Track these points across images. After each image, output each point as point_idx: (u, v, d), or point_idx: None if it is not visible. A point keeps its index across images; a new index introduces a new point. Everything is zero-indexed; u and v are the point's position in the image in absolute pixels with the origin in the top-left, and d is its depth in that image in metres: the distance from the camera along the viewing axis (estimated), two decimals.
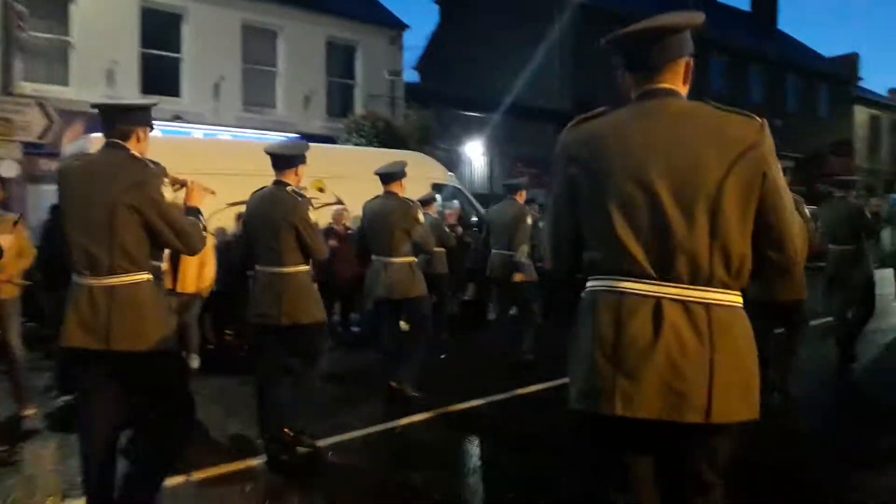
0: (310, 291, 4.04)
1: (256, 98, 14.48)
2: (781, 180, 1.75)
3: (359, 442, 4.45)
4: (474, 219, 9.68)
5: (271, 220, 3.90)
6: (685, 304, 1.67)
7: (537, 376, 5.87)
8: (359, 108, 15.20)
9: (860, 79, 28.67)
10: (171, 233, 2.74)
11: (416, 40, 41.18)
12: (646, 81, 1.82)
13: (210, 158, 7.51)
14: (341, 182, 7.76)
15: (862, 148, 28.44)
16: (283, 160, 4.01)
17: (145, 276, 2.74)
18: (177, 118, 12.37)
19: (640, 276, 1.70)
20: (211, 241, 6.52)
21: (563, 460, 3.89)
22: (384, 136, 12.90)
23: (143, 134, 2.84)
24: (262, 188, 4.07)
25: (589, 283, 1.83)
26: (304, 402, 4.13)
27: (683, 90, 1.85)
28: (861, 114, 29.25)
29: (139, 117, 2.84)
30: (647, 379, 1.66)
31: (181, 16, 13.57)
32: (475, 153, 17.39)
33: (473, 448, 4.51)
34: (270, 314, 3.93)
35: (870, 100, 30.26)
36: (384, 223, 5.08)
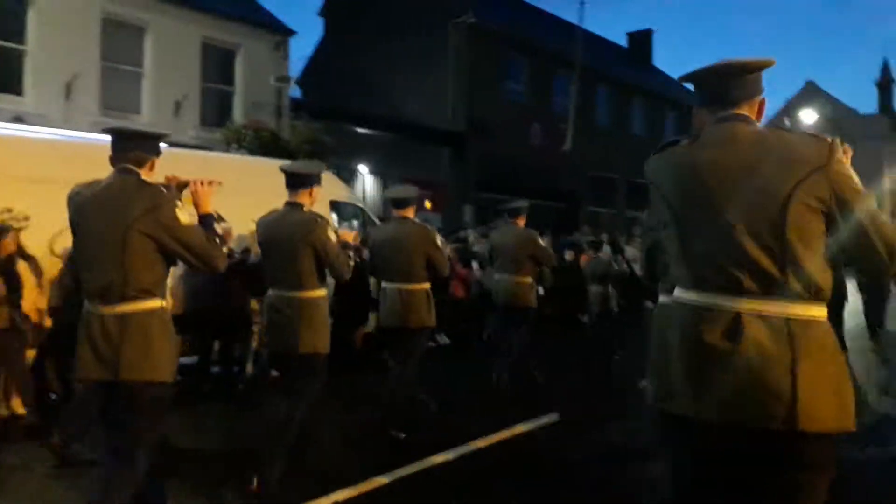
0: (326, 319, 3.96)
1: (117, 101, 12.68)
2: (859, 193, 1.80)
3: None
4: None
5: (289, 241, 3.79)
6: (762, 317, 1.78)
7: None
8: (238, 117, 13.75)
9: None
10: (190, 255, 2.75)
11: (296, 53, 39.55)
12: (720, 114, 1.96)
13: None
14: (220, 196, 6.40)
15: None
16: (299, 179, 3.91)
17: (158, 302, 2.72)
18: (17, 119, 10.41)
19: (716, 290, 1.84)
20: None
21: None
22: (269, 147, 11.65)
23: (153, 164, 2.87)
24: (274, 210, 3.98)
25: (675, 293, 1.98)
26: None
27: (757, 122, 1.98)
28: None
29: (154, 146, 2.88)
30: (723, 385, 1.77)
31: (27, 2, 11.65)
32: (366, 172, 16.35)
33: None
34: (288, 343, 3.79)
35: None
36: (401, 248, 4.91)
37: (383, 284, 5.05)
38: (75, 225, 2.78)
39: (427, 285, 4.97)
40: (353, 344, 7.91)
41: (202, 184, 2.96)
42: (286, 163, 4.31)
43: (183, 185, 2.96)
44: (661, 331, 2.01)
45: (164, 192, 2.73)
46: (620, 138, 23.60)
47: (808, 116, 33.99)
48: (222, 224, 6.05)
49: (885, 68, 56.12)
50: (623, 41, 30.52)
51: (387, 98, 18.22)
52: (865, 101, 79.87)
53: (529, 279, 6.40)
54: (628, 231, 16.61)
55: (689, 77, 2.06)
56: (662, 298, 2.25)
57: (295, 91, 16.48)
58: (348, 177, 14.96)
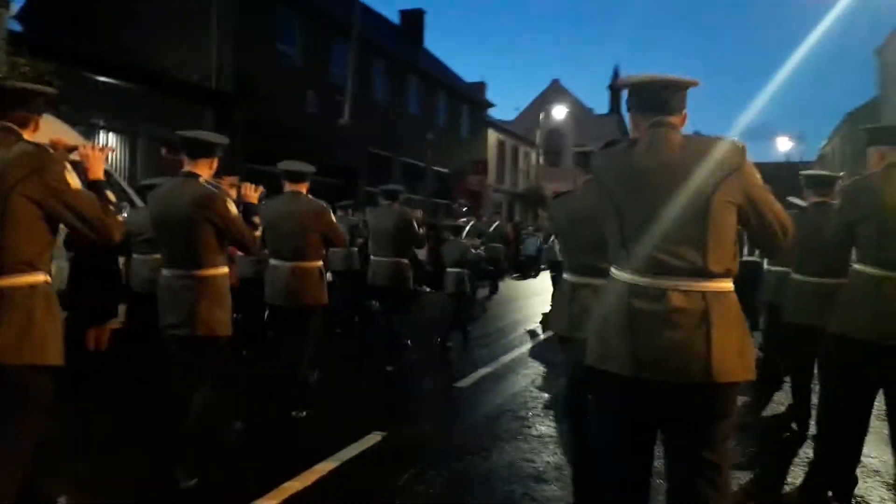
0: (227, 298, 3.73)
1: None
2: (762, 188, 2.24)
3: None
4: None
5: (184, 216, 3.54)
6: (684, 292, 2.14)
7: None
8: None
9: (493, 105, 31.73)
10: (81, 224, 2.50)
11: None
12: (655, 120, 2.28)
13: None
14: None
15: (491, 168, 31.46)
16: (201, 148, 3.68)
17: (41, 277, 2.46)
18: None
19: (649, 272, 2.18)
20: None
21: None
22: None
23: (38, 124, 2.64)
24: (165, 180, 3.94)
25: (612, 272, 2.32)
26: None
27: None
28: (492, 137, 32.42)
29: (39, 104, 2.64)
30: (652, 347, 2.14)
31: None
32: (108, 129, 13.60)
33: None
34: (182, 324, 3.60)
35: (498, 125, 33.75)
36: (294, 224, 4.84)
37: (273, 262, 4.93)
38: None
39: (320, 263, 4.95)
40: (90, 344, 6.23)
41: (92, 148, 2.81)
42: (187, 132, 3.81)
43: (71, 149, 2.78)
44: (601, 304, 2.37)
45: (51, 152, 2.49)
46: (397, 117, 23.11)
47: (560, 112, 36.87)
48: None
49: (616, 73, 63.72)
50: (395, 18, 30.10)
51: (139, 49, 15.43)
52: (601, 102, 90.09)
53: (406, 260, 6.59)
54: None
55: (631, 84, 2.37)
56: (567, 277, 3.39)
57: (14, 25, 13.08)
58: (86, 133, 12.22)
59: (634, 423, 2.27)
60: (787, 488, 3.99)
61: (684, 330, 2.11)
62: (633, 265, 2.22)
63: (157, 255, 4.91)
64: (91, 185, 2.67)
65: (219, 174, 3.93)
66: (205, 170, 3.65)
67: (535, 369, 7.07)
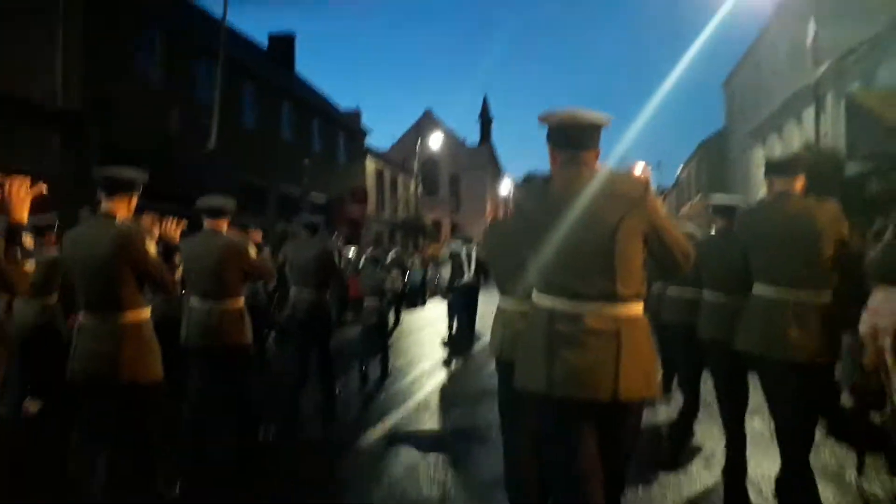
0: (152, 343, 3.60)
1: None
2: (664, 218, 2.50)
3: None
4: None
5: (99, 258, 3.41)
6: (599, 316, 2.36)
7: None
8: None
9: (368, 132, 31.15)
10: None
11: None
12: (570, 156, 2.53)
13: None
14: None
15: (371, 197, 30.80)
16: (120, 185, 3.55)
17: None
18: None
19: (565, 296, 2.42)
20: None
21: None
22: None
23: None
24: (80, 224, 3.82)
25: (534, 298, 2.55)
26: None
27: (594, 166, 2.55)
28: (370, 165, 31.80)
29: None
30: (568, 369, 2.36)
31: None
32: None
33: None
34: (102, 371, 3.44)
35: (376, 154, 33.20)
36: (210, 264, 4.69)
37: (192, 301, 4.79)
38: None
39: (241, 301, 4.81)
40: None
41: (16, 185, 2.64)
42: (109, 168, 3.68)
43: None
44: (527, 328, 2.57)
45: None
46: (270, 143, 21.93)
47: (436, 142, 36.97)
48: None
49: (485, 106, 65.51)
50: (264, 43, 28.87)
51: None
52: (471, 134, 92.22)
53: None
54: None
55: (550, 122, 2.58)
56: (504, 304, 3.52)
57: None
58: None
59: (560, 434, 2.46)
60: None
61: (597, 351, 2.34)
62: (551, 291, 2.44)
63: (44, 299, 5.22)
64: (9, 228, 2.56)
65: (71, 203, 3.75)
66: (122, 208, 3.53)
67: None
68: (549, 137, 2.56)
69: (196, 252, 4.66)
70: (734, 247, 3.86)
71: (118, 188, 3.51)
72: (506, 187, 63.88)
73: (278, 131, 23.00)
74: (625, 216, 2.36)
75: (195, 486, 4.30)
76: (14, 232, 2.52)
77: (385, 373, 8.31)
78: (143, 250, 3.43)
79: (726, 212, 4.65)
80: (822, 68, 15.29)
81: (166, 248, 3.77)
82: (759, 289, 3.51)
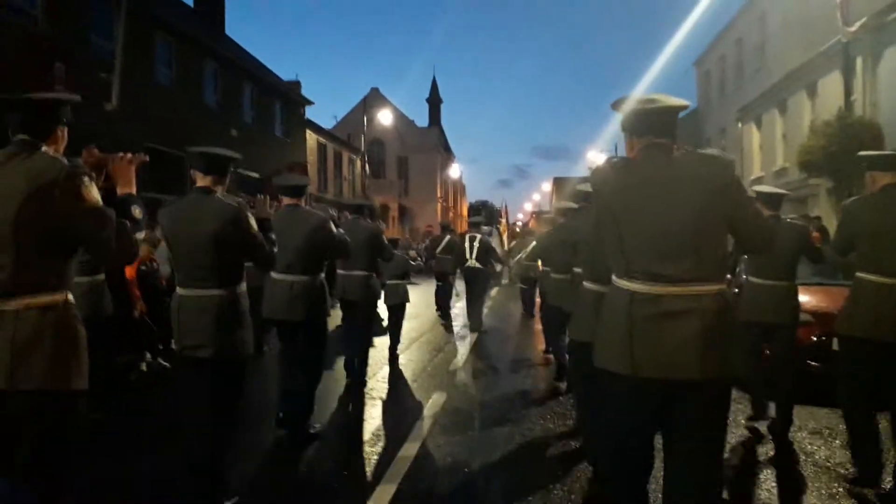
0: (244, 316, 3.54)
1: None
2: (747, 200, 2.50)
3: None
4: None
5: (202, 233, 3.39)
6: (681, 297, 2.31)
7: None
8: None
9: (311, 103, 27.43)
10: (91, 241, 2.33)
11: None
12: (650, 143, 2.49)
13: None
14: None
15: (312, 173, 27.24)
16: (216, 164, 3.58)
17: (59, 296, 2.30)
18: None
19: (649, 279, 2.37)
20: None
21: None
22: None
23: (63, 134, 2.52)
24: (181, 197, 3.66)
25: (614, 280, 2.51)
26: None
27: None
28: (311, 139, 28.17)
29: (63, 114, 2.49)
30: (654, 349, 2.35)
31: None
32: None
33: None
34: (201, 344, 3.40)
35: (319, 127, 29.56)
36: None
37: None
38: None
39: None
40: None
41: (121, 158, 2.63)
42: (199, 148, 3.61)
43: (98, 164, 2.62)
44: (607, 310, 2.53)
45: (65, 163, 2.31)
46: (189, 108, 18.21)
47: (385, 118, 33.64)
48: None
49: (434, 86, 62.33)
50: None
51: None
52: (420, 114, 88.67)
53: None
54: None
55: (628, 111, 2.55)
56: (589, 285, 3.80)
57: None
58: None
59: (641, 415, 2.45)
60: None
61: (680, 332, 2.29)
62: (632, 274, 2.40)
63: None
64: (119, 200, 2.53)
65: None
66: (219, 186, 3.57)
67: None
68: (626, 125, 2.55)
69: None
70: (782, 234, 3.97)
71: (213, 167, 3.55)
72: (455, 170, 61.28)
73: (200, 95, 19.25)
74: (710, 199, 2.33)
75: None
76: (124, 205, 2.49)
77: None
78: (249, 224, 3.45)
79: (771, 200, 4.82)
80: (854, 28, 12.77)
81: (261, 225, 3.63)
82: (865, 277, 3.76)
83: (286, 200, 4.88)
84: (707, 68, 29.77)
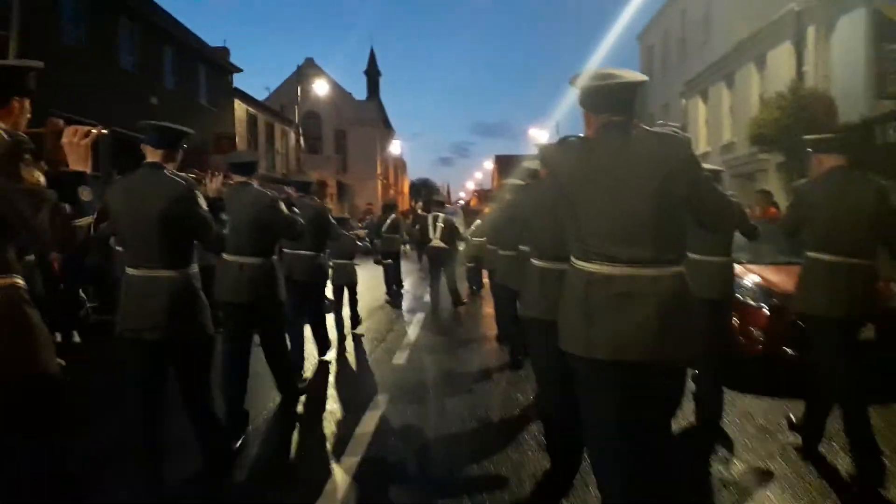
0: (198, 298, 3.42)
1: None
2: (706, 178, 2.47)
3: None
4: None
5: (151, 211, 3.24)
6: (637, 278, 2.28)
7: None
8: None
9: (239, 70, 25.71)
10: (18, 222, 2.19)
11: None
12: (608, 120, 2.42)
13: None
14: None
15: (241, 146, 25.64)
16: (168, 137, 3.43)
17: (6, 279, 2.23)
18: None
19: (606, 260, 2.34)
20: None
21: None
22: None
23: (22, 106, 2.34)
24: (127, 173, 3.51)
25: (572, 261, 2.47)
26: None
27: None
28: (240, 109, 26.50)
29: (22, 84, 2.35)
30: (608, 330, 2.35)
31: None
32: None
33: None
34: (154, 325, 3.26)
35: (249, 96, 27.86)
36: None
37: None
38: None
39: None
40: None
41: (74, 133, 2.40)
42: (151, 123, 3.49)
43: (54, 131, 2.50)
44: (566, 292, 2.48)
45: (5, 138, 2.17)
46: (101, 71, 16.48)
47: (321, 88, 32.16)
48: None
49: (372, 58, 60.65)
50: None
51: None
52: (358, 88, 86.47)
53: None
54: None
55: (585, 87, 2.47)
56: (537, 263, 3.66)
57: None
58: None
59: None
60: None
61: (637, 314, 2.25)
62: (588, 255, 2.35)
63: None
64: (64, 177, 2.37)
65: None
66: (170, 161, 3.42)
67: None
68: (584, 101, 2.49)
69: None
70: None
71: (165, 141, 3.40)
72: (396, 147, 59.95)
73: (115, 57, 17.50)
74: (667, 178, 2.28)
75: None
76: (71, 185, 2.34)
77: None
78: (199, 204, 3.34)
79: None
80: None
81: (211, 204, 3.50)
82: (818, 256, 3.83)
83: (236, 178, 4.73)
84: (650, 42, 29.47)
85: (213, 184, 3.67)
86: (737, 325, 5.97)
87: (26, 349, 2.22)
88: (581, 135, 2.53)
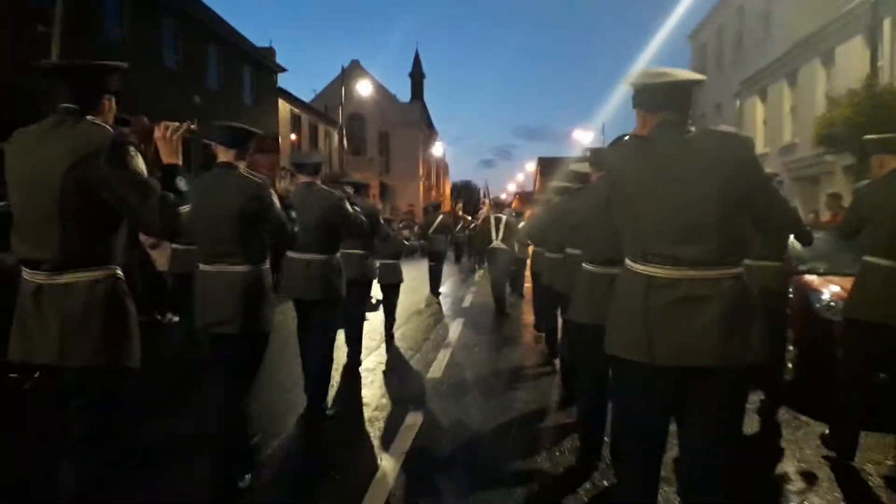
0: (267, 293, 3.48)
1: None
2: (766, 179, 2.38)
3: None
4: None
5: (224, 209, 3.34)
6: (700, 281, 2.21)
7: None
8: None
9: (284, 70, 25.63)
10: (128, 211, 2.27)
11: None
12: (664, 119, 2.33)
13: None
14: None
15: (285, 147, 25.55)
16: (239, 137, 3.51)
17: (101, 272, 2.28)
18: None
19: (666, 262, 2.26)
20: None
21: None
22: None
23: (111, 104, 2.43)
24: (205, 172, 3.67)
25: (628, 264, 2.39)
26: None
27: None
28: (284, 109, 26.42)
29: (110, 82, 2.41)
30: (673, 335, 2.26)
31: None
32: None
33: None
34: (227, 320, 3.35)
35: (293, 97, 27.78)
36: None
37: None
38: (7, 176, 2.37)
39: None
40: None
41: (166, 128, 2.44)
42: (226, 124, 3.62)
43: (143, 129, 2.78)
44: (621, 295, 2.40)
45: (109, 131, 2.28)
46: (144, 68, 16.44)
47: (365, 89, 31.97)
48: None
49: (417, 60, 60.51)
50: None
51: None
52: (402, 90, 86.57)
53: None
54: None
55: (639, 85, 2.39)
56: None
57: None
58: None
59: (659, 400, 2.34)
60: None
61: (699, 317, 2.18)
62: (648, 257, 2.27)
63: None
64: (163, 170, 2.42)
65: None
66: (241, 161, 3.49)
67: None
68: (638, 100, 2.41)
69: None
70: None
71: (238, 141, 3.49)
72: (439, 149, 59.58)
73: (159, 55, 17.51)
74: (728, 178, 2.21)
75: None
76: (169, 176, 2.39)
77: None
78: (272, 201, 3.40)
79: None
80: None
81: (283, 202, 3.59)
82: (875, 261, 3.75)
83: (301, 178, 4.86)
84: (703, 41, 28.38)
85: (283, 184, 3.79)
86: (814, 343, 5.29)
87: (124, 342, 2.29)
88: (635, 134, 2.49)
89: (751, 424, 4.65)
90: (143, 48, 16.67)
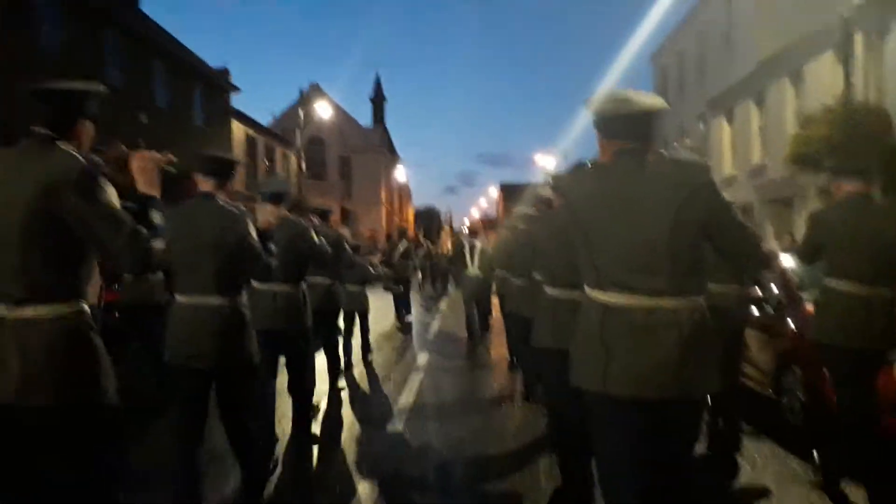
0: (247, 326, 3.49)
1: None
2: (726, 205, 2.29)
3: None
4: None
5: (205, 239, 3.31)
6: (655, 311, 2.17)
7: None
8: None
9: (238, 89, 24.62)
10: (99, 245, 2.15)
11: None
12: (623, 147, 2.29)
13: None
14: None
15: (240, 170, 24.46)
16: (219, 167, 3.48)
17: (67, 308, 2.13)
18: None
19: (623, 291, 2.22)
20: None
21: None
22: None
23: (86, 129, 2.30)
24: (184, 202, 3.46)
25: (587, 292, 2.39)
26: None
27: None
28: (239, 131, 25.36)
29: (87, 107, 2.30)
30: (628, 364, 2.22)
31: None
32: None
33: None
34: (201, 354, 3.33)
35: (248, 118, 26.75)
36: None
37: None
38: None
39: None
40: None
41: (142, 157, 2.41)
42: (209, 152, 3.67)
43: (118, 158, 2.48)
44: (580, 324, 2.37)
45: (81, 161, 2.15)
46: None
47: (325, 111, 31.13)
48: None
49: (378, 84, 59.97)
50: None
51: None
52: (363, 114, 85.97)
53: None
54: None
55: (598, 113, 2.34)
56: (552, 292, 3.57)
57: None
58: None
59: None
60: None
61: (656, 348, 2.13)
62: (604, 285, 2.24)
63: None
64: (137, 200, 2.37)
65: None
66: (222, 192, 3.46)
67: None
68: (599, 126, 2.37)
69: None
70: None
71: (220, 171, 3.46)
72: (402, 173, 58.82)
73: (100, 69, 16.40)
74: (683, 204, 2.16)
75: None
76: (143, 209, 2.35)
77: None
78: (250, 232, 3.39)
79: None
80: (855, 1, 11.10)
81: (261, 234, 3.54)
82: (835, 285, 3.74)
83: (262, 206, 4.94)
84: (665, 63, 28.36)
85: (264, 215, 3.72)
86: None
87: (90, 377, 2.16)
88: (594, 160, 2.49)
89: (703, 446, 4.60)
90: (82, 59, 15.55)
